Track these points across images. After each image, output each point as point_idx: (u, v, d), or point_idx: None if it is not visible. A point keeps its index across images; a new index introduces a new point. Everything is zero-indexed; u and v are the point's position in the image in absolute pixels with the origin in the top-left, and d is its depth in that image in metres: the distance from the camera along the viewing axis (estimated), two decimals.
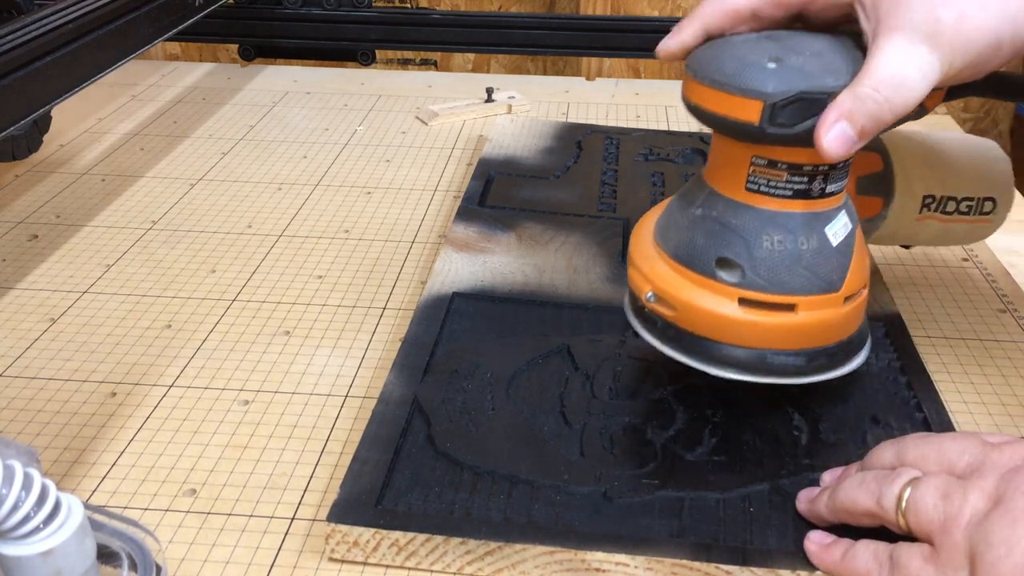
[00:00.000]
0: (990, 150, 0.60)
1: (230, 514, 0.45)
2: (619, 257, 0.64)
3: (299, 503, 0.46)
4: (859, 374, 0.52)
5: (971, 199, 0.57)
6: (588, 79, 1.10)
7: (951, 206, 0.56)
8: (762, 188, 0.44)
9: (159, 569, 0.39)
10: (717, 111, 0.43)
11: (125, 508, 0.46)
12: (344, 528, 0.41)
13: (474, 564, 0.41)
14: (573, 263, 0.63)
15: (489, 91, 0.99)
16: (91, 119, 0.95)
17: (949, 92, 0.47)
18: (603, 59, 1.45)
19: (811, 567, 0.40)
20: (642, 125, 0.94)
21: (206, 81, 1.08)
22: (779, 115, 0.41)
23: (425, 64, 1.21)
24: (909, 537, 0.38)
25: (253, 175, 0.83)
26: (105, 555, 0.38)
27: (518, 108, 0.98)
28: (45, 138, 0.85)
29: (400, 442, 0.46)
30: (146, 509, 0.46)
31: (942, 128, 0.98)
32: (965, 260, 0.68)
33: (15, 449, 0.36)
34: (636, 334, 0.50)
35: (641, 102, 1.01)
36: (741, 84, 0.41)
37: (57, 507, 0.34)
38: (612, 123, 0.95)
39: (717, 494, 0.44)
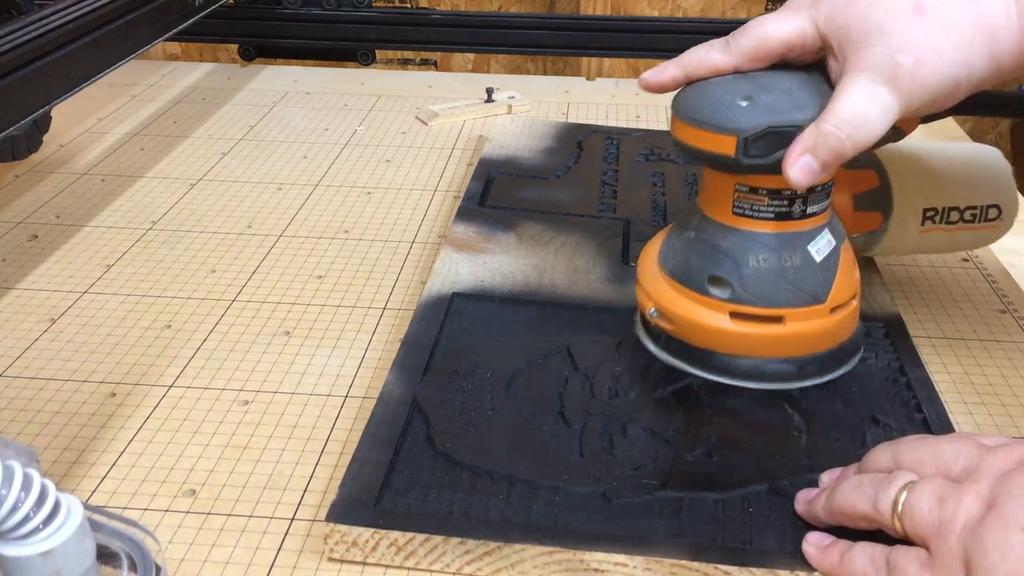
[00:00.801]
0: (990, 157, 0.60)
1: (230, 514, 0.45)
2: (619, 258, 0.64)
3: (299, 503, 0.46)
4: (859, 375, 0.52)
5: (974, 208, 0.58)
6: (588, 79, 1.10)
7: (954, 216, 0.58)
8: (747, 212, 0.49)
9: (159, 569, 0.38)
10: (699, 146, 0.47)
11: (125, 508, 0.46)
12: (343, 528, 0.41)
13: (473, 564, 0.41)
14: (573, 263, 0.63)
15: (489, 91, 0.99)
16: (91, 119, 0.95)
17: (927, 116, 0.49)
18: (603, 59, 1.45)
19: (810, 568, 0.40)
20: (642, 125, 0.94)
21: (206, 81, 1.08)
22: (752, 147, 0.45)
23: (425, 64, 1.21)
24: (906, 541, 0.38)
25: (253, 175, 0.83)
26: (105, 555, 0.38)
27: (518, 108, 0.98)
28: (45, 138, 0.85)
29: (399, 442, 0.46)
30: (146, 509, 0.46)
31: (943, 130, 0.98)
32: (965, 260, 0.68)
33: (15, 449, 0.36)
34: (634, 333, 0.52)
35: (641, 102, 1.01)
36: (717, 122, 0.46)
37: (57, 507, 0.34)
38: (612, 123, 0.95)
39: (716, 494, 0.44)
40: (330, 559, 0.42)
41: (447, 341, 0.54)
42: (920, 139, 0.63)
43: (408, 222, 0.74)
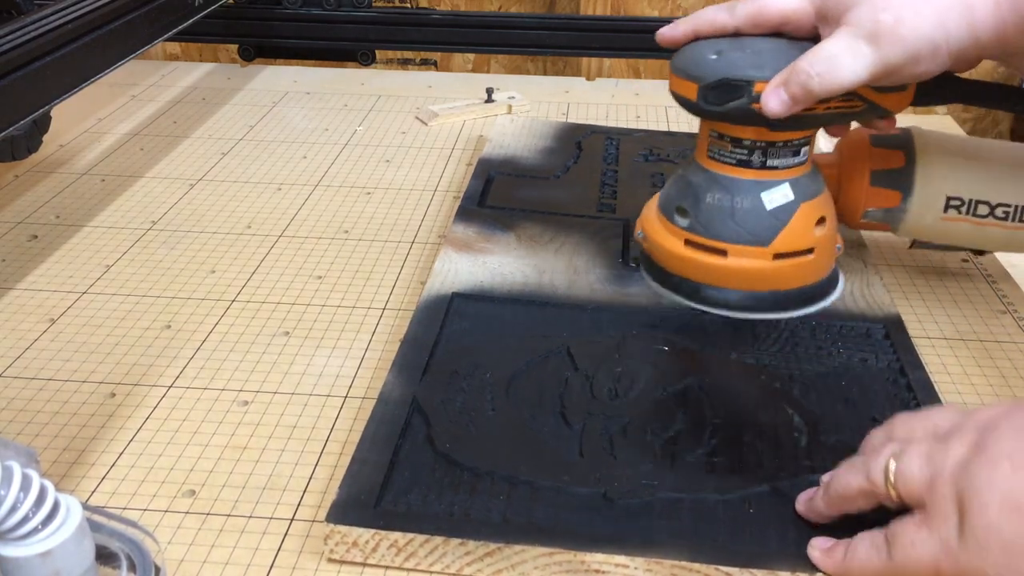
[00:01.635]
0: None
1: (229, 515, 0.45)
2: (618, 258, 0.64)
3: (298, 504, 0.46)
4: (859, 375, 0.52)
5: (1007, 206, 0.58)
6: (588, 79, 1.10)
7: (983, 210, 0.58)
8: (715, 156, 0.56)
9: (158, 570, 0.39)
10: (676, 90, 0.54)
11: (124, 509, 0.46)
12: (343, 529, 0.41)
13: (473, 565, 0.41)
14: (573, 264, 0.63)
15: (489, 91, 0.99)
16: (91, 119, 0.95)
17: (918, 97, 0.54)
18: (603, 59, 1.45)
19: (811, 568, 0.39)
20: (642, 125, 0.94)
21: (206, 81, 1.08)
22: (709, 95, 0.52)
23: (425, 64, 1.21)
24: (904, 511, 0.38)
25: (253, 175, 0.83)
26: (104, 556, 0.38)
27: (518, 108, 0.98)
28: (45, 138, 0.85)
29: (399, 442, 0.46)
30: (145, 510, 0.46)
31: (944, 128, 0.98)
32: (965, 261, 0.68)
33: (14, 450, 0.36)
34: (634, 332, 0.54)
35: (641, 102, 1.01)
36: (687, 70, 0.53)
37: (56, 508, 0.34)
38: (612, 123, 0.95)
39: (717, 495, 0.44)
40: (330, 560, 0.42)
41: (447, 341, 0.54)
42: (964, 135, 0.63)
43: (408, 222, 0.74)
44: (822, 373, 0.52)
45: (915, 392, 0.50)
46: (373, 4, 1.08)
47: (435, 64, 1.29)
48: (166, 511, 0.46)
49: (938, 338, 0.59)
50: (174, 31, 0.80)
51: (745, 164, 0.55)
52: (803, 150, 0.55)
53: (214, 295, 0.64)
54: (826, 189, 0.58)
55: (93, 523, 0.37)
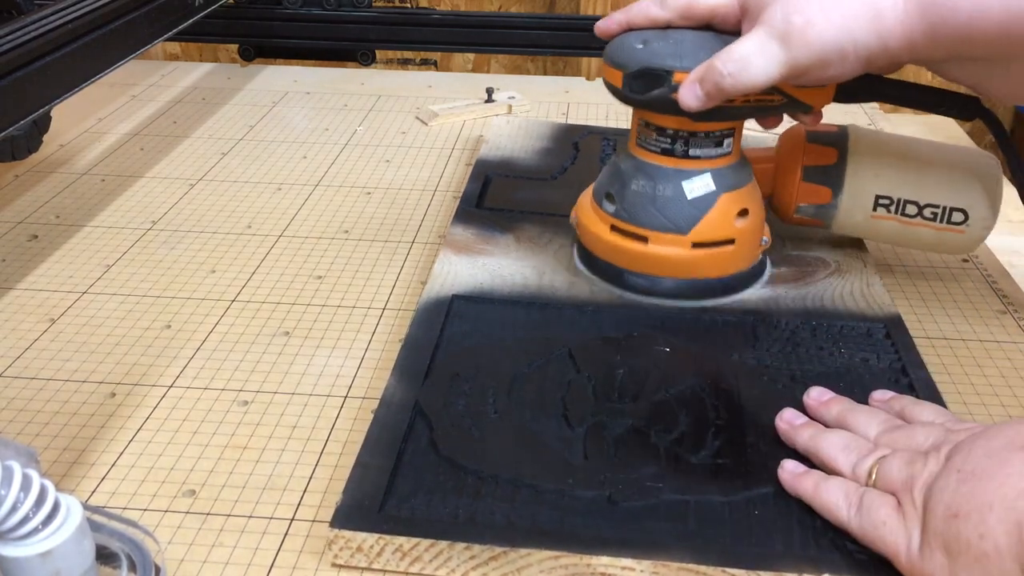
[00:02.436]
0: (977, 163, 0.60)
1: (229, 515, 0.45)
2: None
3: (298, 504, 0.46)
4: (861, 375, 0.52)
5: (936, 206, 0.59)
6: (588, 79, 1.10)
7: (911, 210, 0.60)
8: (642, 143, 0.57)
9: (158, 570, 0.39)
10: (606, 79, 0.55)
11: (124, 509, 0.46)
12: (347, 534, 0.41)
13: (479, 569, 0.41)
14: (572, 265, 0.63)
15: (489, 91, 0.99)
16: (91, 119, 0.95)
17: (841, 95, 0.55)
18: None
19: (817, 570, 0.40)
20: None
21: (206, 81, 1.08)
22: (632, 83, 0.53)
23: (425, 64, 1.21)
24: None
25: (253, 175, 0.83)
26: (104, 556, 0.38)
27: (518, 108, 0.98)
28: (45, 138, 0.85)
29: (402, 447, 0.46)
30: (145, 510, 0.46)
31: (944, 130, 0.99)
32: (965, 261, 0.68)
33: (14, 450, 0.36)
34: (636, 334, 0.54)
35: None
36: (613, 59, 0.54)
37: (56, 508, 0.34)
38: (612, 124, 0.94)
39: (722, 497, 0.44)
40: (334, 565, 0.42)
41: (448, 344, 0.54)
42: (919, 135, 0.63)
43: (408, 222, 0.74)
44: (824, 373, 0.52)
45: (917, 392, 0.50)
46: (373, 4, 1.08)
47: (435, 64, 1.29)
48: (166, 511, 0.46)
49: (938, 338, 0.59)
50: (174, 31, 0.80)
51: (668, 153, 0.56)
52: (726, 141, 0.56)
53: (214, 295, 0.64)
54: (752, 182, 0.59)
55: (93, 523, 0.37)
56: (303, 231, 0.73)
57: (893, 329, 0.56)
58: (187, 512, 0.45)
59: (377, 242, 0.71)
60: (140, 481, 0.47)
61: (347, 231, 0.73)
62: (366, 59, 1.10)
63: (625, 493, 0.43)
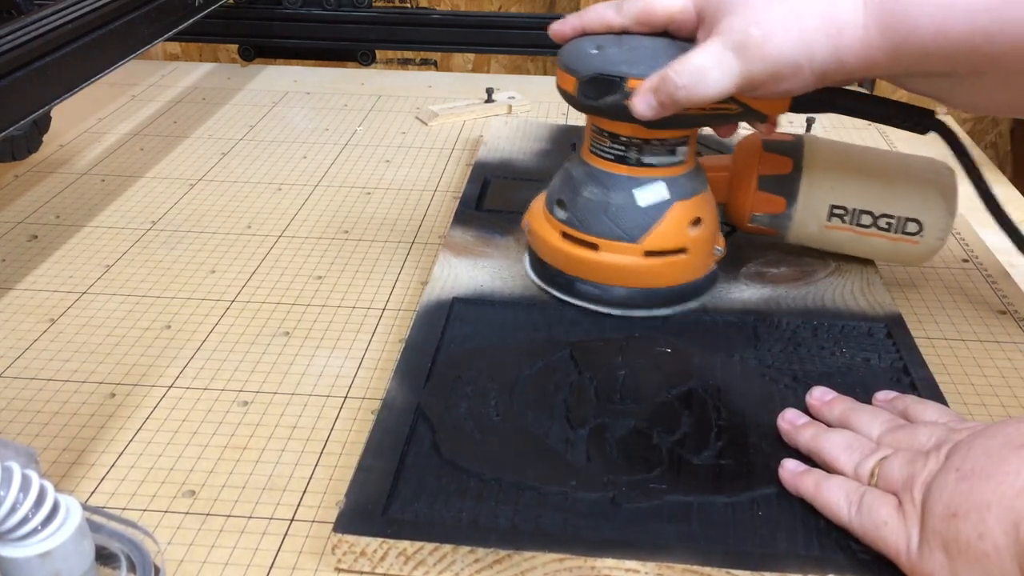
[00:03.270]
0: (933, 173, 0.60)
1: (229, 515, 0.45)
2: None
3: (298, 504, 0.46)
4: (863, 375, 0.52)
5: (891, 217, 0.59)
6: None
7: (866, 220, 0.59)
8: (596, 151, 0.56)
9: (158, 570, 0.39)
10: (560, 85, 0.54)
11: (124, 509, 0.46)
12: (351, 538, 0.41)
13: (483, 573, 0.41)
14: None
15: (489, 91, 0.99)
16: (91, 119, 0.95)
17: (797, 105, 0.54)
18: None
19: (822, 571, 0.39)
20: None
21: (206, 81, 1.08)
22: (585, 89, 0.52)
23: (425, 64, 1.21)
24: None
25: (253, 175, 0.83)
26: (104, 556, 0.38)
27: (518, 108, 0.98)
28: (45, 138, 0.85)
29: (405, 450, 0.46)
30: (145, 510, 0.46)
31: None
32: (965, 261, 0.68)
33: (14, 450, 0.36)
34: (637, 335, 0.54)
35: None
36: (567, 64, 0.53)
37: (55, 508, 0.34)
38: None
39: (725, 498, 0.43)
40: (337, 569, 0.42)
41: (449, 347, 0.54)
42: (870, 144, 0.63)
43: (408, 222, 0.74)
44: (825, 373, 0.52)
45: (919, 391, 0.50)
46: (373, 4, 1.08)
47: (435, 64, 1.29)
48: (166, 511, 0.45)
49: (938, 338, 0.59)
50: (174, 31, 0.80)
51: (621, 160, 0.55)
52: (679, 149, 0.55)
53: (214, 295, 0.64)
54: (707, 190, 0.58)
55: (93, 523, 0.37)
56: (303, 231, 0.73)
57: (894, 328, 0.56)
58: (187, 512, 0.45)
59: (377, 242, 0.71)
60: (140, 481, 0.47)
61: (347, 231, 0.73)
62: (366, 59, 1.10)
63: (628, 495, 0.43)
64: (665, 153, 0.55)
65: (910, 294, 0.64)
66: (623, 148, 0.55)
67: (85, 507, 0.36)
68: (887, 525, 0.39)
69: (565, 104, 1.01)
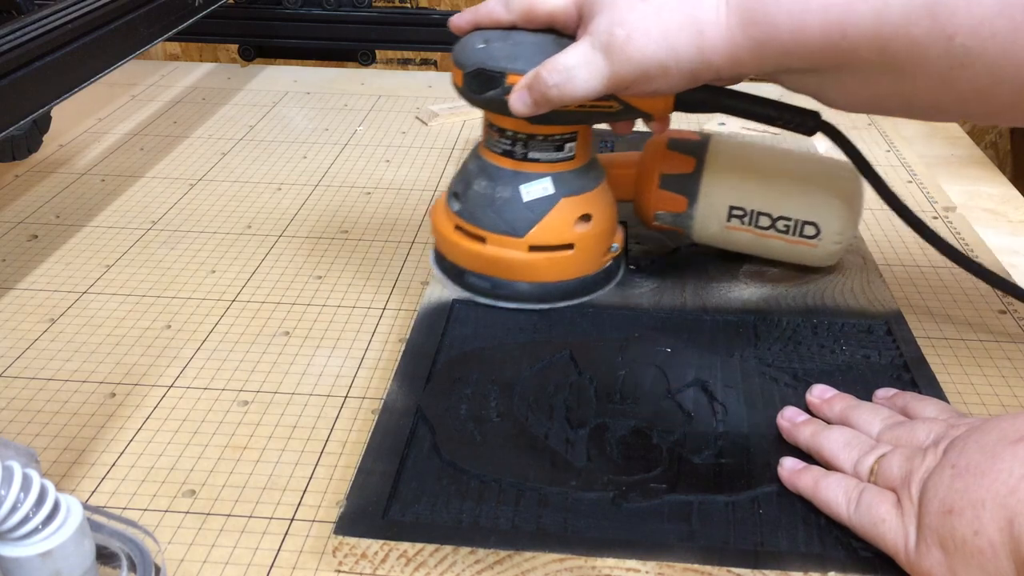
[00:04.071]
0: (836, 177, 0.59)
1: (229, 515, 0.45)
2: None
3: (299, 504, 0.46)
4: (863, 372, 0.52)
5: (788, 219, 0.59)
6: None
7: (764, 221, 0.60)
8: (488, 145, 0.57)
9: (158, 570, 0.39)
10: (452, 78, 0.55)
11: (124, 509, 0.46)
12: (352, 540, 0.41)
13: (484, 573, 0.41)
14: None
15: None
16: (91, 119, 0.95)
17: (681, 106, 0.54)
18: None
19: (823, 569, 0.39)
20: (640, 127, 0.94)
21: (206, 81, 1.08)
22: (470, 83, 0.53)
23: (425, 64, 1.21)
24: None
25: (253, 175, 0.83)
26: (104, 556, 0.38)
27: None
28: (45, 138, 0.85)
29: (405, 452, 0.46)
30: (145, 510, 0.46)
31: (943, 129, 0.98)
32: None
33: (14, 450, 0.36)
34: (636, 335, 0.54)
35: None
36: (455, 57, 0.54)
37: (56, 508, 0.34)
38: None
39: (726, 497, 0.43)
40: (338, 571, 0.42)
41: (449, 348, 0.54)
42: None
43: (408, 222, 0.74)
44: (826, 371, 0.52)
45: (919, 388, 0.50)
46: (373, 4, 1.08)
47: (435, 64, 1.29)
48: (166, 511, 0.46)
49: (938, 338, 0.59)
50: (174, 31, 0.80)
51: (508, 155, 0.56)
52: (567, 146, 0.56)
53: (214, 295, 0.64)
54: (599, 187, 0.58)
55: (93, 523, 0.37)
56: (303, 231, 0.73)
57: (894, 325, 0.56)
58: (187, 512, 0.45)
59: (377, 242, 0.71)
60: (140, 481, 0.47)
61: (347, 231, 0.73)
62: (366, 59, 1.10)
63: (629, 494, 0.43)
64: (552, 149, 0.55)
65: (910, 294, 0.64)
66: (510, 143, 0.56)
67: (86, 506, 0.36)
68: (885, 523, 0.39)
69: None
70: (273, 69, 1.12)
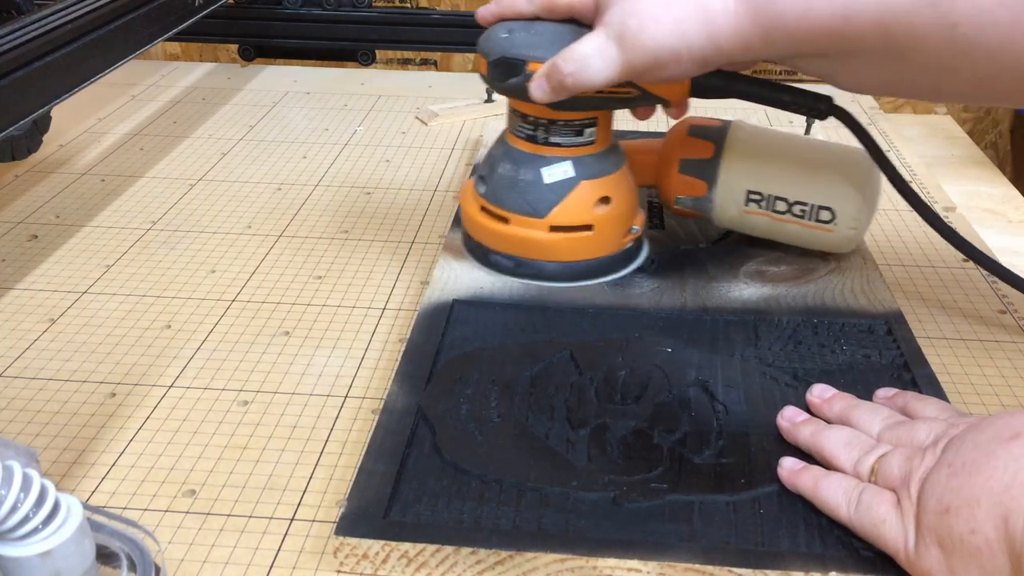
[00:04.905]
0: (850, 162, 0.60)
1: (229, 515, 0.45)
2: None
3: (298, 504, 0.46)
4: (863, 371, 0.52)
5: (804, 204, 0.60)
6: None
7: (781, 206, 0.61)
8: (513, 130, 0.60)
9: (158, 570, 0.38)
10: (478, 67, 0.57)
11: (124, 509, 0.46)
12: (353, 541, 0.41)
13: (485, 574, 0.41)
14: None
15: (489, 91, 0.99)
16: (91, 119, 0.95)
17: (696, 91, 0.56)
18: None
19: (824, 569, 0.39)
20: (640, 127, 0.94)
21: (206, 81, 1.08)
22: (493, 71, 0.55)
23: (425, 64, 1.21)
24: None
25: (253, 175, 0.83)
26: (104, 556, 0.38)
27: None
28: (45, 138, 0.85)
29: (406, 452, 0.46)
30: (145, 510, 0.46)
31: (943, 128, 0.99)
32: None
33: (14, 450, 0.36)
34: (637, 335, 0.55)
35: None
36: (481, 47, 0.56)
37: (56, 508, 0.34)
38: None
39: (727, 497, 0.43)
40: (339, 572, 0.42)
41: (449, 349, 0.54)
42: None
43: (408, 222, 0.74)
44: (826, 371, 0.52)
45: (920, 387, 0.50)
46: (373, 4, 1.08)
47: (435, 64, 1.29)
48: (166, 511, 0.45)
49: (938, 338, 0.59)
50: (174, 31, 0.80)
51: (531, 139, 0.58)
52: (587, 131, 0.58)
53: (214, 295, 0.64)
54: (620, 171, 0.60)
55: (93, 523, 0.37)
56: (303, 231, 0.73)
57: (895, 325, 0.56)
58: (187, 512, 0.45)
59: (377, 242, 0.71)
60: (140, 481, 0.47)
61: (347, 231, 0.73)
62: (366, 59, 1.10)
63: (630, 495, 0.43)
64: (572, 134, 0.58)
65: (910, 294, 0.64)
66: (532, 127, 0.58)
67: (86, 506, 0.36)
68: (885, 523, 0.39)
69: None
70: (273, 69, 1.12)
